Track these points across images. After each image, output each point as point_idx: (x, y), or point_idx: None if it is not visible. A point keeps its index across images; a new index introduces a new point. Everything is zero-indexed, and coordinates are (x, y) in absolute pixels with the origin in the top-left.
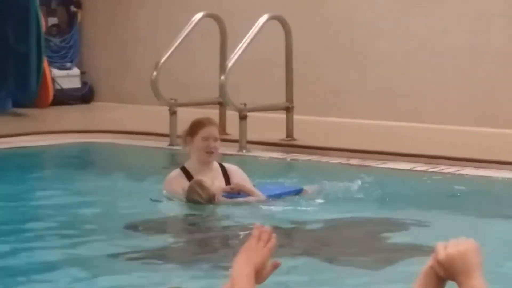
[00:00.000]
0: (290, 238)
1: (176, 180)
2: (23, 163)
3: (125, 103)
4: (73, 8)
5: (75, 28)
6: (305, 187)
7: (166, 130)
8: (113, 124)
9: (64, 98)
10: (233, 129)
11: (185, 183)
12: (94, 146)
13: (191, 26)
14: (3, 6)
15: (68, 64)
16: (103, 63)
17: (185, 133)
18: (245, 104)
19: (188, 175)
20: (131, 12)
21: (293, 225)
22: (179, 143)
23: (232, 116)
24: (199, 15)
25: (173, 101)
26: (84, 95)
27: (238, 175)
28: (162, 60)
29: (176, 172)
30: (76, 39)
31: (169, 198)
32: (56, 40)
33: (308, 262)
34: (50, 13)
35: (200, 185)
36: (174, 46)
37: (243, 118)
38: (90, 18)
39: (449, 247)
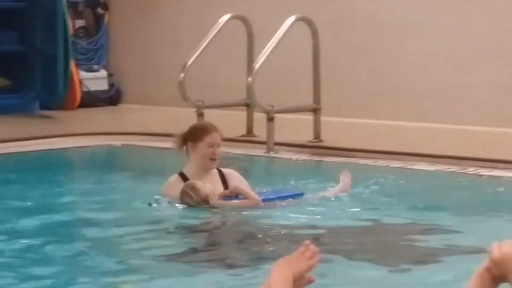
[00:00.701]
0: (326, 240)
1: (174, 185)
2: (50, 166)
3: (152, 105)
4: (100, 10)
5: (102, 30)
6: (306, 195)
7: None
8: (140, 126)
9: (91, 100)
10: (260, 130)
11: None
12: (120, 148)
13: (218, 27)
14: (30, 9)
15: (95, 66)
16: (130, 65)
17: (182, 137)
18: (272, 106)
19: (186, 180)
20: (158, 14)
21: (323, 229)
22: (174, 145)
23: (259, 118)
24: (226, 17)
25: (200, 103)
26: (111, 97)
27: (236, 180)
28: (189, 62)
29: (174, 177)
30: (103, 41)
31: (168, 202)
32: (83, 42)
33: (340, 265)
34: (77, 15)
35: (192, 187)
36: (201, 48)
37: (270, 119)
38: (117, 20)
39: (504, 246)
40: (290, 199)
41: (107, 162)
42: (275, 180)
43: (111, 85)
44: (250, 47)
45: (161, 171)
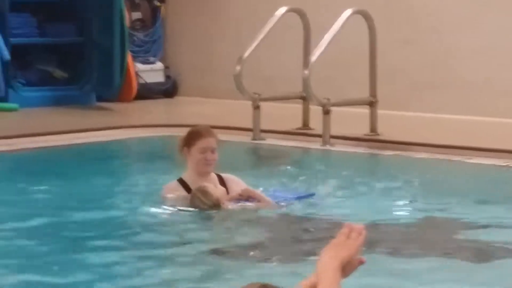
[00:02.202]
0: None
1: (173, 192)
2: (107, 157)
3: (208, 98)
4: (156, 3)
5: (158, 23)
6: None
7: (249, 125)
8: (196, 118)
9: (147, 92)
10: (316, 123)
11: (183, 192)
12: (176, 140)
13: (274, 20)
14: (88, 1)
15: (152, 59)
16: (186, 57)
17: (182, 142)
18: (328, 99)
19: (186, 187)
20: (214, 6)
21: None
22: (177, 150)
23: (315, 111)
24: (282, 10)
25: (256, 95)
26: (167, 89)
27: (236, 184)
28: (246, 55)
29: (173, 183)
30: (160, 33)
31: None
32: (139, 35)
33: (387, 260)
34: (133, 7)
35: (203, 191)
36: (258, 41)
37: (326, 112)
38: (174, 12)
39: None
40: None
41: (163, 154)
42: (331, 174)
43: (168, 77)
44: (306, 40)
45: (219, 163)
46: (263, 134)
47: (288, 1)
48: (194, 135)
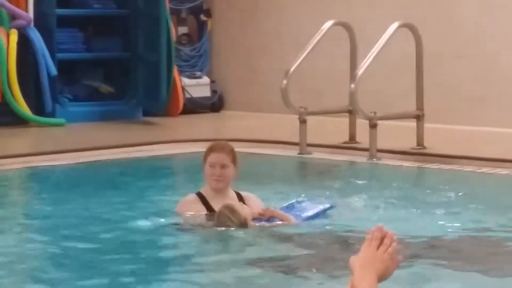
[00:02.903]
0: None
1: (191, 205)
2: (153, 172)
3: (255, 112)
4: (203, 17)
5: (205, 37)
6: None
7: (296, 139)
8: (242, 133)
9: (194, 106)
10: (363, 137)
11: (201, 208)
12: None
13: (320, 34)
14: (134, 16)
15: (198, 73)
16: (232, 71)
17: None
18: (375, 113)
19: (204, 201)
20: (260, 21)
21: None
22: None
23: (362, 124)
24: (329, 23)
25: (302, 109)
26: (213, 104)
27: (255, 203)
28: (292, 68)
29: (192, 196)
30: (206, 48)
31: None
32: (186, 49)
33: (432, 275)
34: (180, 22)
35: (231, 209)
36: (304, 54)
37: (373, 126)
38: (220, 27)
39: None
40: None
41: None
42: (378, 187)
43: (214, 91)
44: (353, 54)
45: (265, 177)
46: (309, 148)
47: (333, 14)
48: (207, 150)
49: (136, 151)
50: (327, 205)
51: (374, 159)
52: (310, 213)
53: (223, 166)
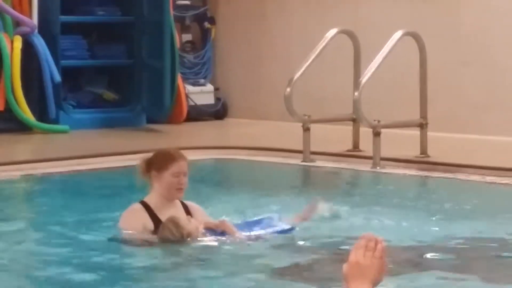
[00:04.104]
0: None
1: (137, 214)
2: None
3: (259, 119)
4: (207, 25)
5: (209, 45)
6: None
7: (299, 147)
8: (246, 140)
9: (197, 114)
10: (366, 145)
11: (147, 219)
12: (226, 162)
13: (325, 42)
14: (138, 23)
15: (202, 81)
16: (236, 79)
17: (146, 164)
18: (378, 121)
19: (150, 211)
20: (264, 29)
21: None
22: (139, 173)
23: (365, 133)
24: (333, 31)
25: (306, 117)
26: (217, 111)
27: (200, 214)
28: (296, 76)
29: (136, 206)
30: (210, 55)
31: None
32: (190, 57)
33: (434, 283)
34: (184, 29)
35: (175, 223)
36: (308, 62)
37: (376, 134)
38: (224, 35)
39: None
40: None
41: (213, 176)
42: (381, 196)
43: (218, 99)
44: (356, 61)
45: (269, 185)
46: (313, 156)
47: (338, 22)
48: (166, 158)
49: (139, 158)
50: (288, 227)
51: (378, 167)
52: (261, 231)
53: (185, 174)
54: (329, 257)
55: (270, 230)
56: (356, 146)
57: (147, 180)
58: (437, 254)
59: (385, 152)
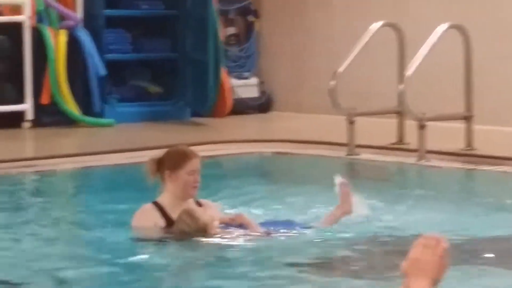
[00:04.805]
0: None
1: (148, 214)
2: (202, 172)
3: (303, 113)
4: (251, 18)
5: (253, 38)
6: (314, 224)
7: (344, 140)
8: (290, 134)
9: (242, 107)
10: (411, 138)
11: (158, 219)
12: (271, 155)
13: (369, 35)
14: (182, 16)
15: (246, 74)
16: (281, 72)
17: (157, 163)
18: (424, 113)
19: (162, 211)
20: (309, 21)
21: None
22: (146, 172)
23: (410, 125)
24: (377, 24)
25: (351, 110)
26: (261, 105)
27: (214, 210)
28: (341, 69)
29: (148, 206)
30: (254, 48)
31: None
32: (234, 50)
33: (482, 275)
34: (228, 23)
35: (190, 214)
36: (353, 55)
37: (422, 127)
38: (268, 28)
39: None
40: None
41: (258, 170)
42: (426, 189)
43: (262, 92)
44: (401, 54)
45: (313, 179)
46: (358, 149)
47: (382, 15)
48: (180, 157)
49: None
50: (308, 225)
51: (423, 160)
52: (279, 226)
53: (199, 172)
54: (369, 250)
55: (290, 227)
56: (401, 139)
57: (157, 180)
58: (484, 246)
59: (430, 145)
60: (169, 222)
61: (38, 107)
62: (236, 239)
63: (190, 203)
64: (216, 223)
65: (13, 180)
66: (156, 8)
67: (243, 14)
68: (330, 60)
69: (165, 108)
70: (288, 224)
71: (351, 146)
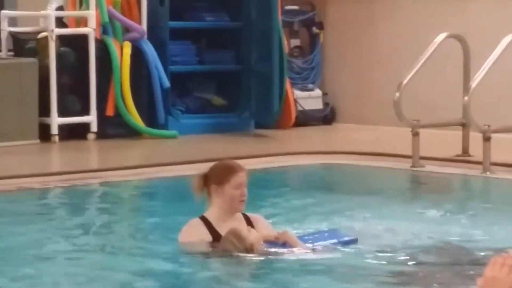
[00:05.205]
0: None
1: (194, 229)
2: (266, 184)
3: (366, 124)
4: (315, 30)
5: (317, 50)
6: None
7: (408, 151)
8: (354, 145)
9: (306, 119)
10: (476, 150)
11: (205, 234)
12: (335, 167)
13: (434, 46)
14: (246, 28)
15: (310, 86)
16: (344, 84)
17: (204, 179)
18: (489, 125)
19: (209, 225)
20: (373, 33)
21: None
22: (193, 187)
23: (475, 137)
24: (442, 36)
25: (415, 122)
26: (325, 116)
27: (263, 225)
28: (405, 81)
29: (195, 221)
30: (318, 60)
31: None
32: (298, 62)
33: None
34: (292, 34)
35: (236, 235)
36: (417, 67)
37: (486, 139)
38: (332, 39)
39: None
40: (341, 245)
41: (321, 181)
42: (491, 202)
43: (326, 104)
44: (466, 66)
45: (378, 190)
46: (422, 161)
47: (447, 27)
48: (226, 171)
49: (248, 163)
50: (351, 238)
51: (488, 173)
52: (323, 241)
53: (245, 186)
54: (434, 263)
55: (333, 241)
56: (465, 151)
57: (204, 195)
58: None
59: (495, 157)
60: (216, 237)
61: (103, 119)
62: (280, 256)
63: (238, 218)
64: (263, 242)
65: (78, 191)
66: (220, 20)
67: (307, 26)
68: (393, 71)
69: (229, 120)
70: (334, 235)
71: (415, 158)
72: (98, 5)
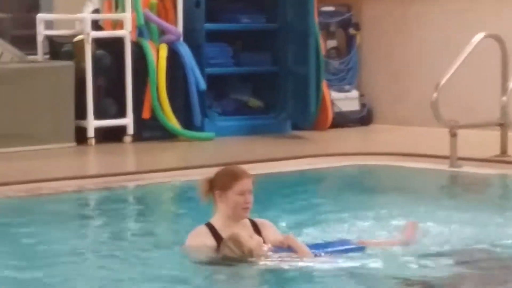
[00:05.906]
0: None
1: (200, 235)
2: (302, 186)
3: (404, 125)
4: (352, 31)
5: (354, 51)
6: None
7: (446, 152)
8: (392, 146)
9: (343, 120)
10: None
11: (210, 240)
12: (372, 168)
13: (471, 47)
14: (282, 30)
15: (347, 87)
16: (381, 85)
17: (209, 184)
18: None
19: (214, 232)
20: (410, 34)
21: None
22: (201, 193)
23: None
24: (479, 36)
25: (453, 122)
26: (362, 118)
27: (270, 230)
28: (443, 82)
29: (201, 228)
30: (355, 61)
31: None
32: (334, 63)
33: None
34: (329, 36)
35: (235, 240)
36: (455, 67)
37: None
38: (369, 40)
39: None
40: (348, 253)
41: (358, 183)
42: None
43: (363, 105)
44: (504, 66)
45: (417, 191)
46: (460, 162)
47: (484, 27)
48: (229, 177)
49: (285, 165)
50: (359, 246)
51: None
52: (329, 248)
53: (250, 192)
54: (472, 265)
55: (340, 248)
56: (504, 151)
57: (210, 200)
58: None
59: None
60: (220, 243)
61: (139, 122)
62: (282, 262)
63: (243, 224)
64: (265, 247)
65: (114, 194)
66: (257, 21)
67: (344, 27)
68: (430, 72)
69: (265, 122)
70: (344, 243)
71: (453, 158)
72: (134, 7)
